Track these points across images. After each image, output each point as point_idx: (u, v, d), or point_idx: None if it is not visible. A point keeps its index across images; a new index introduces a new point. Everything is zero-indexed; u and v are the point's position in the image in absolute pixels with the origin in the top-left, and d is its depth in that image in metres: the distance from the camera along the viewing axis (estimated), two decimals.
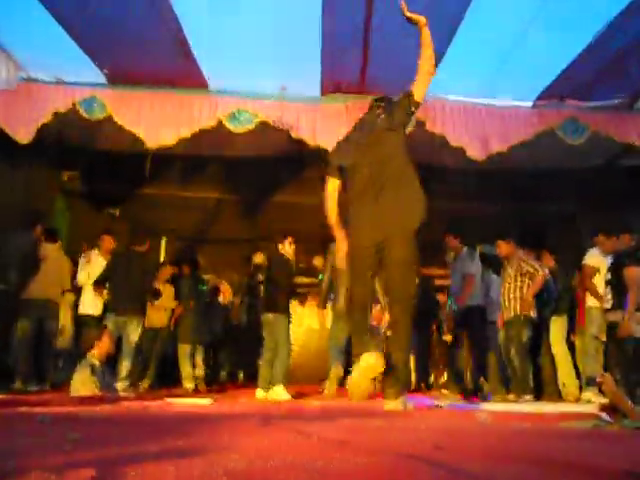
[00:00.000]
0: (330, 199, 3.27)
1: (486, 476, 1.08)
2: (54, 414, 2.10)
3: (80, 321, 6.07)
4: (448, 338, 6.49)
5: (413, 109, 3.37)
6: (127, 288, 5.38)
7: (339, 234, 3.24)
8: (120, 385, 5.08)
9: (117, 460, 1.25)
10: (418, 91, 3.38)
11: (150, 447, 1.40)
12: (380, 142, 3.23)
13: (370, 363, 2.81)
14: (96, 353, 4.66)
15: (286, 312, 5.38)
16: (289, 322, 5.39)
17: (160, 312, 6.33)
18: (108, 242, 6.03)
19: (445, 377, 7.24)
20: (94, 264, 5.93)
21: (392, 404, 2.96)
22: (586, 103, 5.49)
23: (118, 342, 5.26)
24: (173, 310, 6.47)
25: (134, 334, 5.34)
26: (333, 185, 3.28)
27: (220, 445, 1.40)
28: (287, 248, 5.53)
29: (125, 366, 5.23)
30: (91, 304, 5.94)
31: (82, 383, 4.43)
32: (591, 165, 6.44)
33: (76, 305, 6.20)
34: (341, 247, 3.24)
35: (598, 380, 3.07)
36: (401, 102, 3.41)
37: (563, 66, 5.07)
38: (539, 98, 5.53)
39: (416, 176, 3.17)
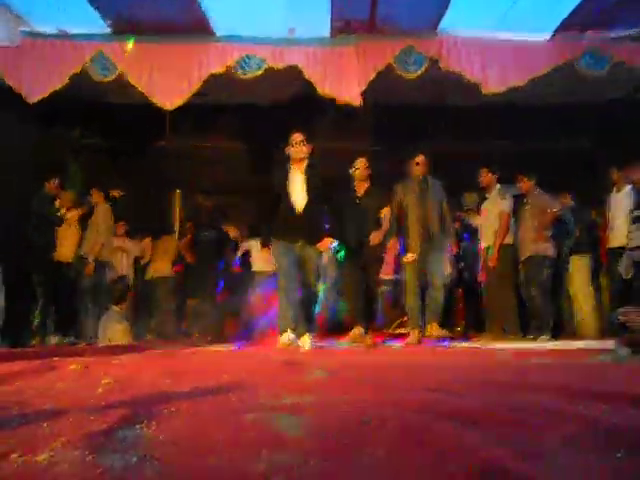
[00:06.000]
0: None
1: (505, 404, 1.11)
2: (88, 362, 2.18)
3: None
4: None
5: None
6: None
7: None
8: None
9: (151, 400, 1.31)
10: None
11: (182, 388, 1.46)
12: None
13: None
14: (125, 307, 4.82)
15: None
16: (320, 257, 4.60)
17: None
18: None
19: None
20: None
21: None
22: (606, 33, 5.26)
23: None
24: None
25: None
26: None
27: (249, 384, 1.45)
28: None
29: None
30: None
31: (123, 333, 4.59)
32: (608, 99, 6.24)
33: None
34: None
35: (619, 318, 3.08)
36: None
37: None
38: (557, 31, 5.31)
39: None
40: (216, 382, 1.54)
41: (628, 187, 5.22)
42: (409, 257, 4.96)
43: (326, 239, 4.27)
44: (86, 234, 5.86)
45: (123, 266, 6.46)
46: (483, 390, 1.31)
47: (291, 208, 4.22)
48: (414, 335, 4.86)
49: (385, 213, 5.08)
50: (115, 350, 3.67)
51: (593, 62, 5.20)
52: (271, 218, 4.35)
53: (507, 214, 5.41)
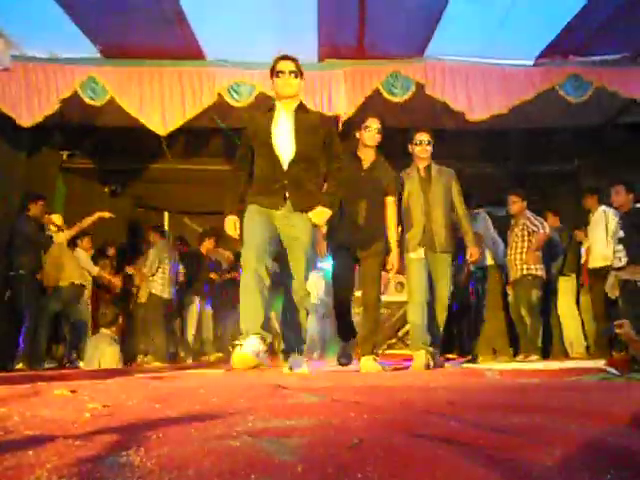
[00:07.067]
0: None
1: (495, 426, 1.11)
2: (74, 386, 2.15)
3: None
4: None
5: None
6: None
7: None
8: None
9: (138, 426, 1.29)
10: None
11: (169, 413, 1.44)
12: None
13: None
14: (115, 330, 4.78)
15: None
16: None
17: None
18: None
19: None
20: None
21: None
22: (589, 58, 5.40)
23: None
24: None
25: None
26: None
27: (237, 408, 1.44)
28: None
29: None
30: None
31: (113, 356, 4.54)
32: (592, 123, 6.38)
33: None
34: None
35: (616, 330, 3.12)
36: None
37: (564, 22, 4.98)
38: (541, 56, 5.45)
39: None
40: (205, 406, 1.53)
41: (600, 209, 5.36)
42: (415, 254, 3.90)
43: (321, 208, 3.09)
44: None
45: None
46: (473, 411, 1.31)
47: (273, 162, 3.10)
48: (420, 358, 3.72)
49: (391, 209, 3.84)
50: (102, 374, 3.62)
51: (575, 87, 5.33)
52: (244, 184, 3.21)
53: (478, 235, 5.52)
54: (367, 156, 3.83)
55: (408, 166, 4.18)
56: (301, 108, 3.25)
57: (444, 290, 3.97)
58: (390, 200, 3.85)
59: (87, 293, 6.40)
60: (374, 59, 5.36)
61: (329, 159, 3.22)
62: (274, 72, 3.18)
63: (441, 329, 4.06)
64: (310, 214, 3.09)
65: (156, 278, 6.41)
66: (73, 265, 5.92)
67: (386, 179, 3.82)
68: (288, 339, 3.22)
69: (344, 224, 3.71)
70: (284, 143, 3.09)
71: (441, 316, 4.02)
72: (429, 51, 5.31)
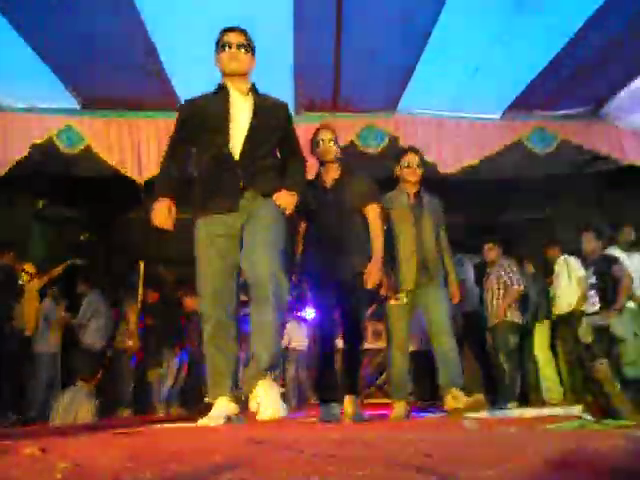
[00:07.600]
0: None
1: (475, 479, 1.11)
2: (43, 444, 2.08)
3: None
4: None
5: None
6: None
7: None
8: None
9: None
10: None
11: (142, 473, 1.40)
12: None
13: None
14: (94, 384, 4.68)
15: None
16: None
17: None
18: None
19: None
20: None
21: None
22: (553, 112, 5.68)
23: None
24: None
25: None
26: None
27: (213, 464, 1.41)
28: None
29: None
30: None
31: (90, 412, 4.40)
32: (559, 173, 6.64)
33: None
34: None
35: (595, 372, 3.15)
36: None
37: (529, 80, 5.26)
38: (507, 110, 5.71)
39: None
40: (178, 464, 1.49)
41: (561, 259, 5.57)
42: (398, 297, 3.55)
43: (286, 191, 2.66)
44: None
45: (40, 333, 6.11)
46: (447, 463, 1.31)
47: (224, 151, 2.60)
48: (400, 408, 3.58)
49: (374, 219, 3.30)
50: (73, 430, 3.49)
51: (541, 139, 5.58)
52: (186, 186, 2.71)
53: (464, 281, 5.65)
54: (330, 175, 3.39)
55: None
56: (254, 90, 2.81)
57: (443, 315, 3.52)
58: (370, 210, 3.33)
59: (55, 343, 6.23)
60: (349, 112, 5.55)
61: (291, 154, 2.85)
62: (219, 45, 2.72)
63: (457, 360, 3.49)
64: (274, 197, 2.63)
65: (88, 330, 6.25)
66: (36, 313, 5.87)
67: (357, 192, 3.33)
68: (258, 356, 2.42)
69: (318, 257, 3.26)
70: (239, 128, 2.62)
71: (451, 342, 3.48)
72: (401, 105, 5.53)
